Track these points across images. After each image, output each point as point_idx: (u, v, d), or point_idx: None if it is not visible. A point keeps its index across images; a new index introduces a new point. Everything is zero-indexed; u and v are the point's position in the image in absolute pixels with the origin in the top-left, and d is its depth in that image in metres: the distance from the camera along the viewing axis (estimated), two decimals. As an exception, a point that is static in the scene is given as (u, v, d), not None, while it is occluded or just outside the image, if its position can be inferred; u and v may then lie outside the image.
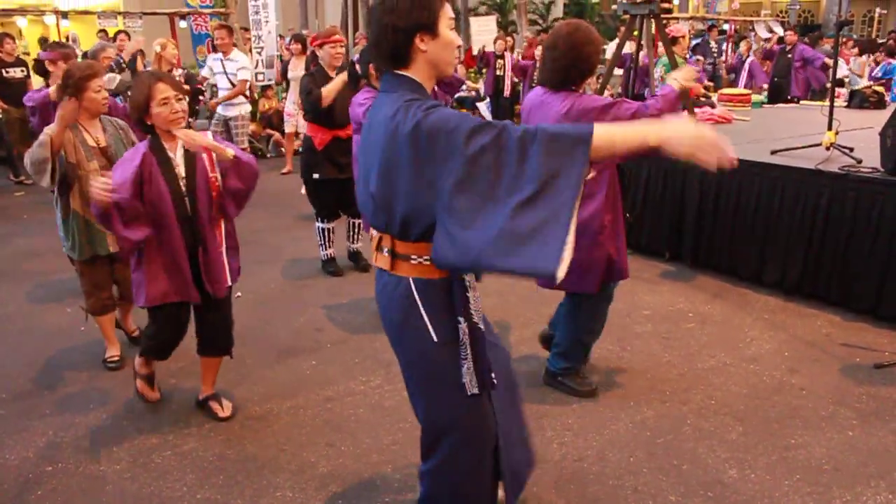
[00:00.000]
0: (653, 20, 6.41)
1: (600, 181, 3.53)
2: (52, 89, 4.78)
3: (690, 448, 3.38)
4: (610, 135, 1.90)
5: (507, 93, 12.78)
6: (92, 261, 4.11)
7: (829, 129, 5.31)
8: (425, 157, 1.96)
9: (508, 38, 13.92)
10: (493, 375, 2.28)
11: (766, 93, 11.81)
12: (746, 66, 12.81)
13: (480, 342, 2.25)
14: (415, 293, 2.20)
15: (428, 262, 2.13)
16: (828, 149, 5.27)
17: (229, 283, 3.55)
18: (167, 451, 3.43)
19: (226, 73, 8.47)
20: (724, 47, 14.74)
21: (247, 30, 13.91)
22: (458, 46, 2.20)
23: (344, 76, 5.37)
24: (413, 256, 2.17)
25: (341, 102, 5.32)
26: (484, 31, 16.29)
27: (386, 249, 2.22)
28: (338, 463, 3.32)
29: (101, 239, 4.05)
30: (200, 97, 7.85)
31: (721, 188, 5.51)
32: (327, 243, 5.88)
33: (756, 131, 6.78)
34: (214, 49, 9.23)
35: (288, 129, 9.93)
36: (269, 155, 11.18)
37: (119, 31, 10.18)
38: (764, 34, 14.61)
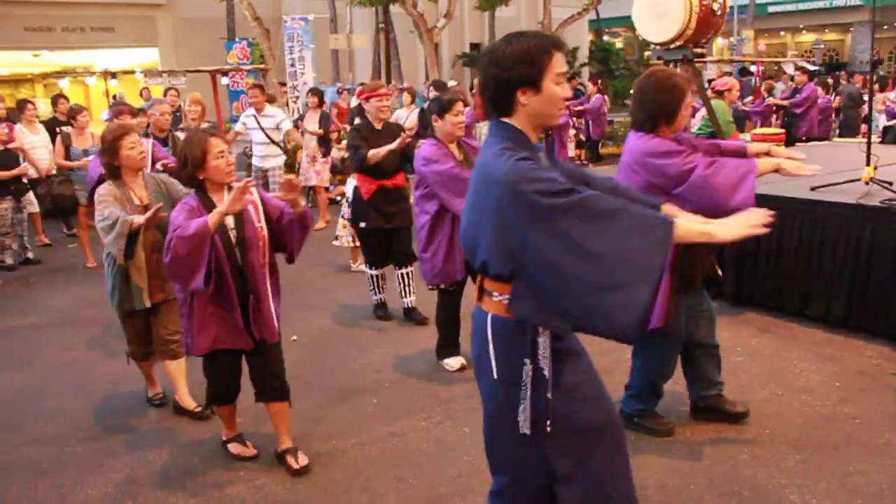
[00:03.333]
0: (686, 66, 6.58)
1: None
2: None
3: (750, 475, 3.45)
4: (686, 231, 2.15)
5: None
6: (130, 314, 4.23)
7: (868, 164, 5.41)
8: (507, 210, 2.07)
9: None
10: (549, 422, 2.23)
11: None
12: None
13: (541, 387, 2.22)
14: (489, 329, 2.26)
15: (507, 301, 2.20)
16: (867, 183, 5.36)
17: (278, 329, 3.61)
18: (240, 486, 3.57)
19: (261, 127, 8.75)
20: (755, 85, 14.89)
21: (284, 84, 14.38)
22: (567, 98, 2.23)
23: (391, 146, 5.40)
24: (495, 293, 2.24)
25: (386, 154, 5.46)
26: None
27: (477, 283, 2.34)
28: (407, 495, 3.44)
29: (139, 293, 4.13)
30: None
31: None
32: (377, 289, 5.96)
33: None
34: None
35: (314, 181, 9.65)
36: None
37: (169, 88, 10.61)
38: (792, 73, 14.82)
